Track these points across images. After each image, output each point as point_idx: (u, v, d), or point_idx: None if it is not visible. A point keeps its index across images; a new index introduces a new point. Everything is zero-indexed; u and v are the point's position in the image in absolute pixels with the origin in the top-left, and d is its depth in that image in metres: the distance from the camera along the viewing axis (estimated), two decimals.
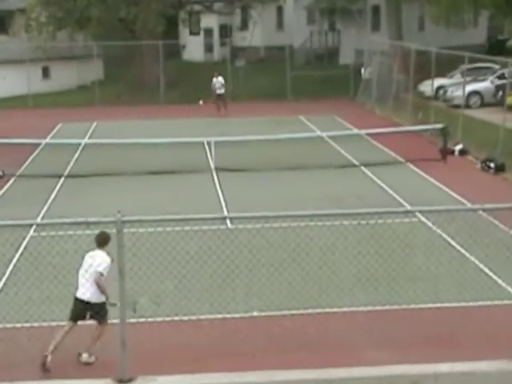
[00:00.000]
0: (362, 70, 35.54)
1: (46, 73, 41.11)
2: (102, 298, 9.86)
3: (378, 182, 19.76)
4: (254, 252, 12.89)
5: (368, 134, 24.94)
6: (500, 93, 28.16)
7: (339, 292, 11.86)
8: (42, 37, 38.41)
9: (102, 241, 9.95)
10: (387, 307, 11.44)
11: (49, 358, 9.69)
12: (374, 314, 11.31)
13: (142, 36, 39.07)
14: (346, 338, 10.52)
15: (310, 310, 11.19)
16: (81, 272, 10.01)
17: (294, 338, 10.45)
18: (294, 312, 11.43)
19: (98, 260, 9.83)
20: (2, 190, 19.89)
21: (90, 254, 10.02)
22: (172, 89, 38.11)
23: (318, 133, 25.82)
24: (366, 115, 31.48)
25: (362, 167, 21.45)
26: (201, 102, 34.18)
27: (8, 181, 20.88)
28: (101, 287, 9.78)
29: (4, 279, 13.11)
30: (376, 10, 44.09)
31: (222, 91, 32.68)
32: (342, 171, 21.09)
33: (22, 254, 14.30)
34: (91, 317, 9.99)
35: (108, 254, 9.84)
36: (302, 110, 31.91)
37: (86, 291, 9.89)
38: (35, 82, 38.15)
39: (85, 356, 9.97)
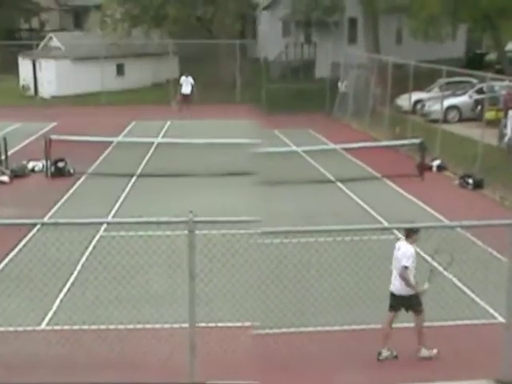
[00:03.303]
0: (339, 84, 32.40)
1: (120, 70, 38.49)
2: (412, 291, 9.33)
3: (355, 198, 18.17)
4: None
5: (344, 149, 22.82)
6: (478, 107, 25.70)
7: (314, 310, 10.71)
8: (117, 34, 35.91)
9: (408, 231, 9.31)
10: (363, 326, 10.44)
11: (383, 353, 9.46)
12: (350, 333, 10.33)
13: (219, 35, 36.56)
14: (320, 358, 9.57)
15: (283, 329, 9.99)
16: (393, 264, 9.53)
17: (267, 357, 9.44)
18: (268, 332, 10.17)
19: (399, 253, 9.31)
20: (73, 188, 18.76)
21: (397, 244, 9.52)
22: (248, 88, 35.10)
23: (293, 147, 23.58)
24: (342, 129, 28.85)
25: (338, 183, 19.58)
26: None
27: (78, 179, 19.66)
28: (405, 280, 9.21)
29: (72, 279, 12.17)
30: (353, 22, 40.36)
31: (188, 91, 30.04)
32: (318, 187, 19.13)
33: (90, 253, 13.31)
34: (407, 309, 9.45)
35: (412, 244, 9.25)
36: (277, 124, 28.48)
37: (395, 285, 9.38)
38: (109, 79, 35.95)
39: (424, 351, 9.49)
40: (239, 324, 10.28)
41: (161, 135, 25.89)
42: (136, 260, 12.00)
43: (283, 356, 9.46)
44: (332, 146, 23.61)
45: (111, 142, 23.11)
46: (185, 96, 29.93)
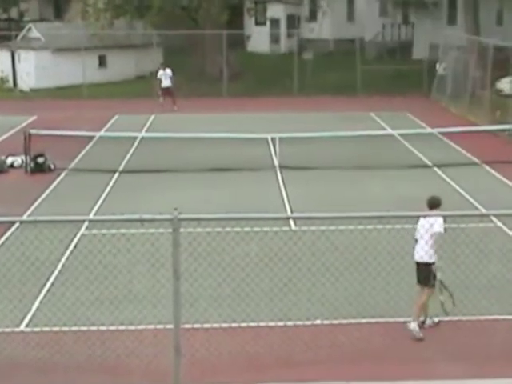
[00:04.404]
0: (437, 66, 31.95)
1: (102, 62, 37.51)
2: (432, 259, 9.69)
3: (452, 183, 18.15)
4: (317, 255, 11.98)
5: (442, 133, 22.92)
6: None
7: (409, 299, 10.34)
8: (100, 24, 34.87)
9: (433, 205, 9.88)
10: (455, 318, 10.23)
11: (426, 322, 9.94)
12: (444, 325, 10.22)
13: (205, 25, 35.52)
14: (413, 349, 9.56)
15: (377, 319, 10.06)
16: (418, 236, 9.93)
17: (360, 348, 9.57)
18: (360, 320, 10.40)
19: (430, 221, 9.70)
20: (53, 185, 18.43)
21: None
22: (235, 81, 34.60)
23: (389, 131, 24.07)
24: (440, 113, 28.62)
25: (435, 168, 19.66)
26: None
27: (59, 175, 19.28)
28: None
29: (52, 279, 12.02)
30: (452, 2, 39.56)
31: (168, 84, 29.71)
32: (414, 172, 19.31)
33: (71, 252, 13.17)
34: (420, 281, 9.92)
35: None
36: (373, 106, 29.06)
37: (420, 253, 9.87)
38: (91, 71, 34.85)
39: (412, 325, 9.75)
40: (225, 325, 10.26)
41: (145, 129, 25.56)
42: (118, 259, 11.80)
43: (376, 346, 9.43)
44: (429, 129, 23.68)
45: (93, 137, 22.61)
46: (165, 89, 29.38)
